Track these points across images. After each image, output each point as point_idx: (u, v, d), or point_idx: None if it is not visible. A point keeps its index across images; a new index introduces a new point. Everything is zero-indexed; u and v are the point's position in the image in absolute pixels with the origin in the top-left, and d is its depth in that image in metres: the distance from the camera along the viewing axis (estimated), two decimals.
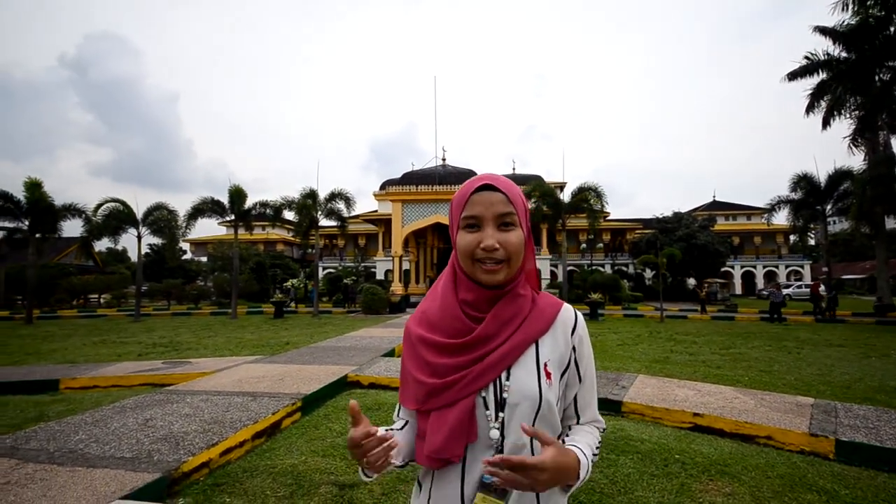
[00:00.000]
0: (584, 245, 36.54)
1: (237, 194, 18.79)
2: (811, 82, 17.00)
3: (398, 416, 0.97)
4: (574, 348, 0.90)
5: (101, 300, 27.54)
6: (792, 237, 37.05)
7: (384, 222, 30.33)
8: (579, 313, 0.94)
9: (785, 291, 23.01)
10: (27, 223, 16.63)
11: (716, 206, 43.25)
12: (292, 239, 35.30)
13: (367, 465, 0.76)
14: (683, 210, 33.25)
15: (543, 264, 27.69)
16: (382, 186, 33.34)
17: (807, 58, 16.71)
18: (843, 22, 15.26)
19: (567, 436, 0.93)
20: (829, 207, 19.50)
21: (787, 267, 38.83)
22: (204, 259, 38.33)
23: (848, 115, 16.38)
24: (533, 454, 0.83)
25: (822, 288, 18.01)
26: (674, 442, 3.67)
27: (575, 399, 0.93)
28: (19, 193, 16.27)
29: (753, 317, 17.05)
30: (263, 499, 2.74)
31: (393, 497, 2.75)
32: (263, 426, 3.86)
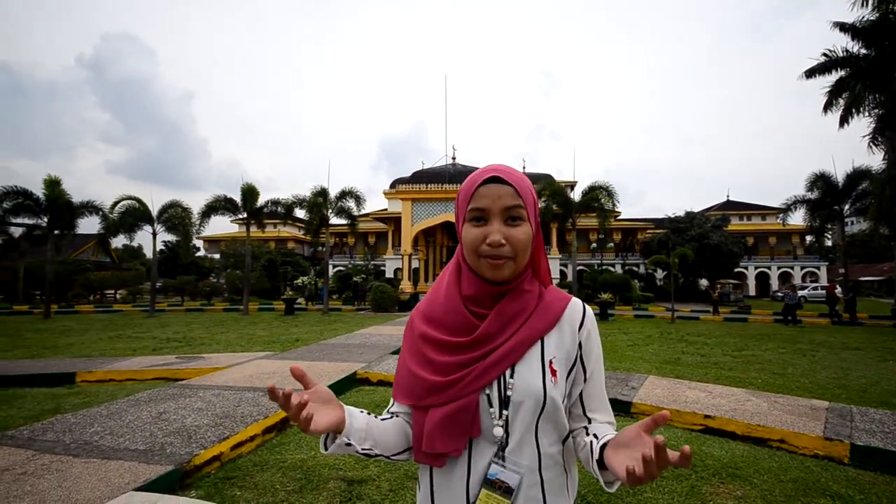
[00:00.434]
0: (594, 245, 36.24)
1: (249, 192, 18.98)
2: (829, 80, 16.63)
3: (389, 411, 0.94)
4: (580, 344, 0.87)
5: (117, 296, 28.04)
6: (808, 238, 36.38)
7: (394, 221, 30.41)
8: (588, 308, 0.91)
9: (800, 293, 22.61)
10: (46, 220, 17.00)
11: (729, 205, 42.60)
12: (303, 237, 35.58)
13: (297, 424, 0.72)
14: (696, 210, 32.76)
15: (553, 264, 27.53)
16: (392, 185, 33.44)
17: (825, 55, 16.35)
18: (863, 18, 14.91)
19: (596, 437, 0.84)
20: (846, 207, 19.09)
21: (802, 268, 38.12)
22: (217, 256, 38.84)
23: (867, 114, 16.01)
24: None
25: (838, 290, 17.66)
26: (684, 443, 3.62)
27: (582, 398, 0.89)
28: (39, 191, 16.67)
29: (767, 318, 16.78)
30: (273, 493, 2.77)
31: (401, 493, 2.77)
32: (273, 421, 3.91)
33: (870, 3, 14.29)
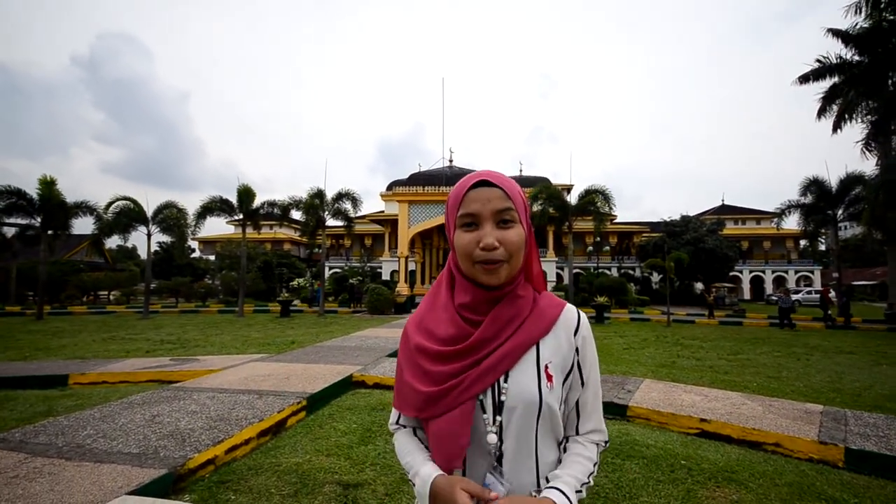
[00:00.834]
0: (590, 248, 36.33)
1: (245, 194, 18.91)
2: (823, 86, 16.81)
3: (397, 422, 0.95)
4: (577, 350, 0.87)
5: (111, 297, 27.84)
6: (802, 242, 36.62)
7: (390, 223, 30.39)
8: (583, 314, 0.91)
9: (794, 297, 22.76)
10: (39, 220, 16.86)
11: (724, 209, 42.85)
12: (299, 238, 35.46)
13: None
14: (691, 214, 32.98)
15: (549, 267, 27.57)
16: (389, 187, 33.42)
17: (819, 61, 16.53)
18: (856, 25, 15.08)
19: (560, 458, 0.87)
20: (840, 212, 19.23)
21: (796, 272, 38.38)
22: (212, 257, 38.64)
23: (860, 119, 16.18)
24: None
25: (832, 293, 17.78)
26: (680, 447, 3.64)
27: (577, 404, 0.89)
28: (33, 191, 16.54)
29: (762, 322, 16.87)
30: (268, 497, 2.75)
31: (397, 497, 2.75)
32: (269, 424, 3.88)
33: (863, 10, 14.45)
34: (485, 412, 0.81)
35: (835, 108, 16.57)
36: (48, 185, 16.55)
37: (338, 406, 4.83)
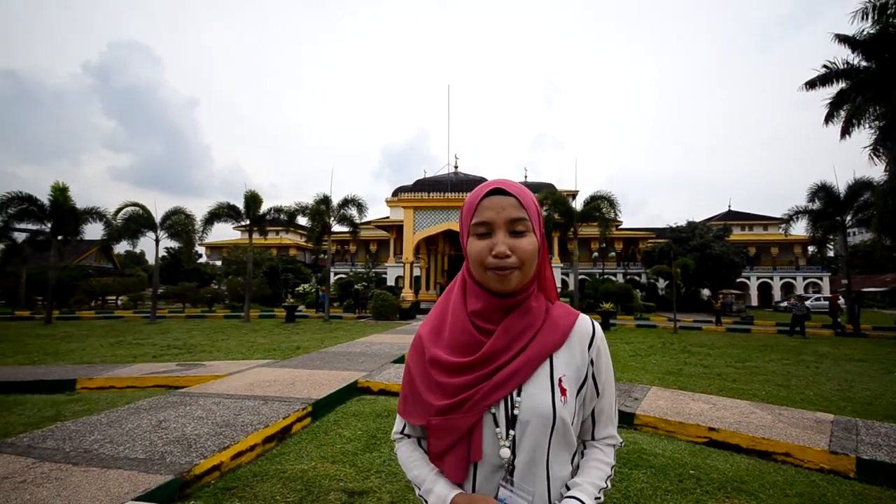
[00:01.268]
0: (595, 254, 36.23)
1: (252, 200, 19.05)
2: (830, 91, 16.71)
3: (402, 431, 0.94)
4: (592, 361, 0.86)
5: (119, 302, 28.05)
6: (810, 248, 36.30)
7: (396, 229, 30.46)
8: (597, 325, 0.91)
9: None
10: (49, 226, 17.07)
11: (731, 215, 42.59)
12: (305, 244, 35.63)
13: None
14: (698, 220, 32.80)
15: (555, 273, 27.52)
16: (395, 193, 33.53)
17: (826, 66, 16.44)
18: (863, 31, 15.01)
19: (576, 461, 0.87)
20: (848, 218, 19.07)
21: (804, 279, 38.01)
22: (218, 263, 38.90)
23: (868, 125, 16.06)
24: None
25: (841, 300, 17.57)
26: (688, 457, 3.60)
27: (593, 412, 0.90)
28: (44, 197, 16.77)
29: (770, 329, 16.69)
30: None
31: None
32: (274, 430, 3.88)
33: (870, 16, 14.39)
34: (497, 426, 0.80)
35: (842, 113, 16.45)
36: (61, 191, 16.78)
37: (343, 412, 4.82)
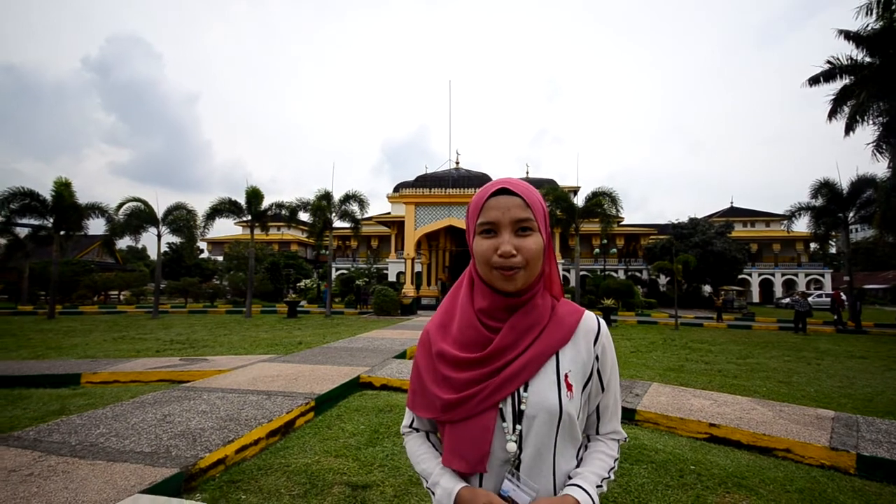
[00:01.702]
0: (597, 250, 36.19)
1: (254, 195, 19.07)
2: (833, 87, 16.62)
3: (411, 425, 0.96)
4: (597, 357, 0.88)
5: (121, 297, 28.13)
6: (812, 245, 36.19)
7: (397, 224, 30.46)
8: (602, 321, 0.91)
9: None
10: (52, 221, 17.11)
11: (733, 212, 42.51)
12: (306, 240, 35.68)
13: None
14: (700, 216, 32.72)
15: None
16: (396, 189, 33.49)
17: (829, 62, 16.34)
18: (867, 26, 14.91)
19: (581, 455, 0.89)
20: (851, 215, 19.01)
21: (806, 275, 37.97)
22: (220, 258, 38.94)
23: (872, 121, 15.98)
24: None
25: (843, 297, 17.55)
26: (689, 452, 3.62)
27: (598, 408, 0.91)
28: (46, 192, 16.80)
29: (772, 326, 16.70)
30: (278, 497, 2.77)
31: (405, 499, 2.77)
32: (278, 425, 3.91)
33: (874, 11, 14.28)
34: (504, 420, 0.82)
35: (846, 109, 16.37)
36: (64, 186, 16.82)
37: (346, 407, 4.85)
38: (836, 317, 16.23)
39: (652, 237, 36.82)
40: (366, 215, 21.57)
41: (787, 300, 29.04)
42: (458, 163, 27.16)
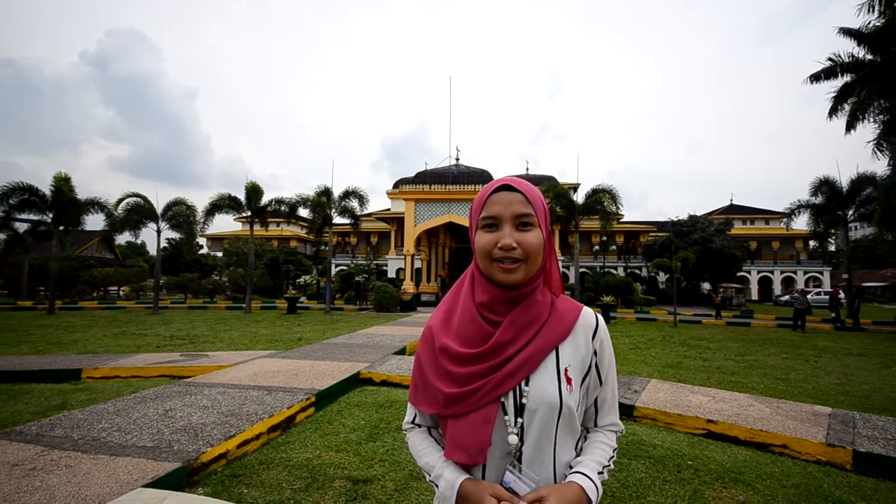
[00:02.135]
0: (596, 247, 36.22)
1: (254, 191, 19.04)
2: (834, 85, 16.59)
3: (413, 421, 0.97)
4: (595, 352, 0.90)
5: (121, 292, 28.15)
6: (811, 243, 36.22)
7: (397, 221, 30.45)
8: (600, 317, 0.94)
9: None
10: (51, 216, 17.08)
11: (733, 209, 42.52)
12: (306, 236, 35.65)
13: None
14: (699, 213, 32.74)
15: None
16: (396, 185, 33.49)
17: (830, 59, 16.30)
18: (869, 23, 14.87)
19: (580, 447, 0.92)
20: (850, 213, 19.03)
21: (805, 273, 38.03)
22: (220, 254, 38.96)
23: (872, 119, 15.96)
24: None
25: (841, 295, 17.60)
26: (687, 448, 3.65)
27: (596, 401, 0.94)
28: (45, 187, 16.77)
29: (770, 323, 16.74)
30: (280, 491, 2.80)
31: (405, 493, 2.79)
32: (278, 420, 3.94)
33: (876, 8, 14.24)
34: (506, 414, 0.84)
35: (846, 107, 16.35)
36: (64, 181, 16.78)
37: (346, 402, 4.88)
38: (834, 314, 16.27)
39: (651, 234, 36.85)
40: (365, 211, 21.56)
41: (786, 298, 29.14)
42: (458, 159, 27.12)
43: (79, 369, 6.07)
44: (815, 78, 16.81)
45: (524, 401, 0.83)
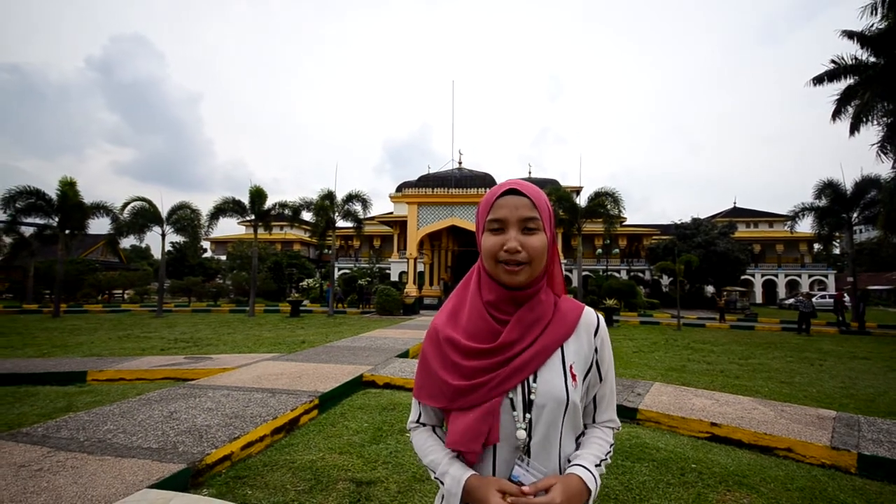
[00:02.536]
0: (599, 250, 36.16)
1: (257, 195, 19.13)
2: (838, 87, 16.58)
3: (418, 420, 0.98)
4: (596, 350, 0.93)
5: (125, 296, 28.29)
6: (816, 246, 36.09)
7: (399, 224, 30.49)
8: (600, 316, 0.97)
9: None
10: (57, 220, 17.21)
11: (736, 212, 42.36)
12: (309, 239, 35.75)
13: None
14: (703, 216, 32.67)
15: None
16: (399, 188, 33.49)
17: (833, 62, 16.29)
18: (872, 26, 14.86)
19: (579, 441, 0.95)
20: (854, 216, 18.96)
21: (810, 276, 37.81)
22: (223, 257, 39.09)
23: (876, 122, 15.92)
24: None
25: (846, 298, 17.49)
26: (690, 451, 3.64)
27: (595, 398, 0.97)
28: (50, 191, 16.91)
29: (774, 327, 16.66)
30: (284, 492, 2.81)
31: (409, 495, 2.80)
32: (282, 422, 3.95)
33: (879, 11, 14.23)
34: (514, 409, 0.86)
35: (850, 109, 16.33)
36: (69, 185, 16.93)
37: (349, 405, 4.89)
38: (839, 318, 16.17)
39: (654, 237, 36.75)
40: (368, 215, 21.61)
41: (791, 301, 28.96)
42: (460, 163, 27.18)
43: (84, 372, 6.11)
44: (818, 80, 16.80)
45: (532, 396, 0.86)
